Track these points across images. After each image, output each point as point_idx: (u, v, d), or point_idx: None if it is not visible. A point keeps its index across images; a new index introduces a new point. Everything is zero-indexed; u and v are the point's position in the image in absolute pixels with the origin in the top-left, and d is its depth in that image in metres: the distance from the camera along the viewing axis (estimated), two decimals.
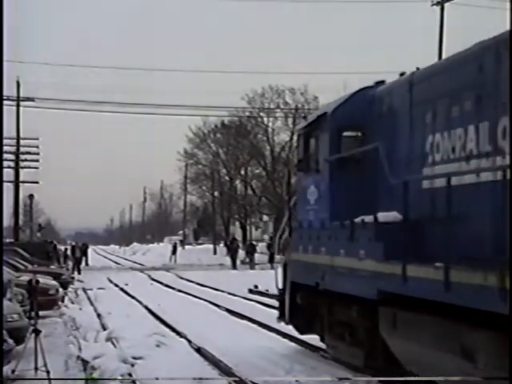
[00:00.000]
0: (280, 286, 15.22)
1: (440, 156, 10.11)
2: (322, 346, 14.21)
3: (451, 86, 9.91)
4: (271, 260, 46.43)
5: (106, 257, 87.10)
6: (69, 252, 49.71)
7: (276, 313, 15.94)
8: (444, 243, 8.75)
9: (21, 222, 59.02)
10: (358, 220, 11.19)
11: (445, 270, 8.42)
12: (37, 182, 51.89)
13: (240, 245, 60.43)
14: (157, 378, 8.45)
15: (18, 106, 49.22)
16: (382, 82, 12.76)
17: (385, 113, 12.04)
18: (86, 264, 54.31)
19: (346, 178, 12.34)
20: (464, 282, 8.11)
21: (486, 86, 9.12)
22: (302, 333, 15.08)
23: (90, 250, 62.41)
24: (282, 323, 15.53)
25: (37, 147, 50.17)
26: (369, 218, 10.89)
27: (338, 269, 11.95)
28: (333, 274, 12.22)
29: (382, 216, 10.63)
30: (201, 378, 10.76)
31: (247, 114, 62.99)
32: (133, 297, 28.90)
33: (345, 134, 12.66)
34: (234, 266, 52.86)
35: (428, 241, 9.80)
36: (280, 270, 15.29)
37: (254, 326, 18.80)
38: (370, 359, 11.78)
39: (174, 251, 65.39)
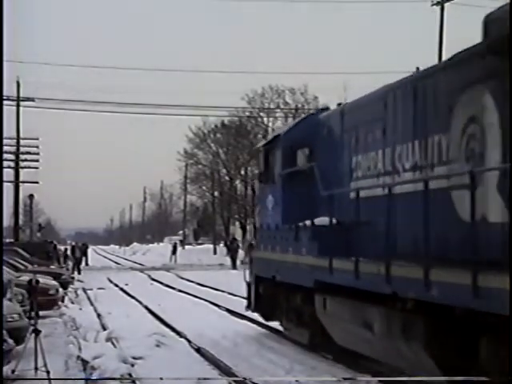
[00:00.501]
0: (248, 280, 17.79)
1: (361, 173, 12.88)
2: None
3: (368, 118, 12.69)
4: None
5: (106, 257, 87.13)
6: (69, 252, 49.69)
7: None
8: (359, 242, 11.84)
9: (21, 222, 59.02)
10: (301, 224, 13.88)
11: (355, 263, 11.17)
12: (37, 182, 51.93)
13: (240, 245, 60.44)
14: (161, 378, 8.45)
15: (17, 105, 49.25)
16: (327, 109, 15.47)
17: (325, 136, 14.60)
18: (86, 264, 54.30)
19: (295, 189, 15.01)
20: (366, 272, 10.95)
21: (388, 120, 11.90)
22: (266, 320, 17.54)
23: (89, 250, 62.40)
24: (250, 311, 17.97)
25: (37, 147, 50.21)
26: (309, 222, 13.55)
27: (287, 263, 14.65)
28: (284, 268, 14.92)
29: (318, 220, 13.29)
30: (205, 378, 10.79)
31: (247, 114, 62.99)
32: (133, 297, 28.91)
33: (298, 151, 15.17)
34: (234, 266, 52.84)
35: (350, 240, 12.29)
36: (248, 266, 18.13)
37: (254, 325, 18.81)
38: (313, 337, 14.40)
39: (174, 251, 65.41)
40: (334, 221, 12.75)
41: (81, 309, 24.14)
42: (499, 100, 8.99)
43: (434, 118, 10.62)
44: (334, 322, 13.14)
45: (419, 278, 9.28)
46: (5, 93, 33.99)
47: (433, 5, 38.09)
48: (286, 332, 16.43)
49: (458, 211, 9.57)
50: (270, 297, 16.70)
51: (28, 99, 49.58)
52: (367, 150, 12.63)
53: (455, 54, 10.14)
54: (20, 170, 50.01)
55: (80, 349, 14.98)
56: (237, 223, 75.37)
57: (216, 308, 23.80)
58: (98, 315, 21.92)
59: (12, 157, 49.37)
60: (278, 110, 61.71)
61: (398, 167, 11.54)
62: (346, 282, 11.71)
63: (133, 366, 13.10)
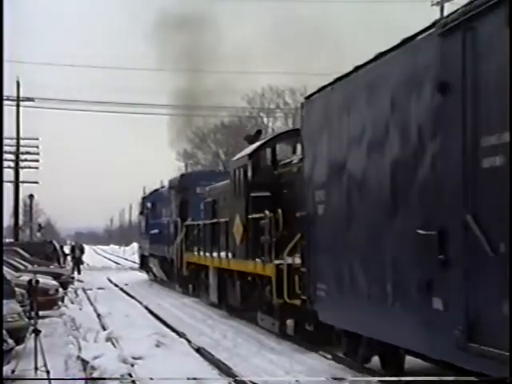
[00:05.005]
0: (138, 256, 47.37)
1: (163, 215, 35.28)
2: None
3: (166, 198, 34.25)
4: None
5: (105, 257, 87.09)
6: (66, 250, 49.37)
7: None
8: (163, 239, 33.89)
9: (21, 222, 58.94)
10: (150, 232, 39.20)
11: (160, 246, 34.99)
12: (37, 182, 51.92)
13: None
14: (152, 378, 8.46)
15: (17, 105, 49.22)
16: (163, 187, 39.80)
17: (160, 199, 37.20)
18: (79, 271, 46.47)
19: (148, 219, 40.29)
20: (156, 249, 36.63)
21: (169, 200, 32.84)
22: (146, 273, 41.70)
23: (90, 251, 61.87)
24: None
25: (37, 147, 50.21)
26: (150, 232, 38.82)
27: (145, 247, 41.78)
28: (145, 250, 41.71)
29: (152, 231, 37.98)
30: (203, 379, 10.78)
31: (247, 114, 62.96)
32: (132, 297, 28.93)
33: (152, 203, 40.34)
34: None
35: (160, 239, 35.05)
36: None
37: (254, 325, 18.79)
38: (154, 276, 38.83)
39: None
40: (157, 231, 36.02)
41: (81, 309, 24.12)
42: (174, 204, 31.38)
43: (168, 204, 33.11)
44: (154, 267, 37.74)
45: (162, 249, 33.89)
46: (5, 93, 34.00)
47: (433, 5, 38.09)
48: (148, 276, 40.88)
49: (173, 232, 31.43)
50: (145, 263, 42.04)
51: (28, 99, 49.59)
52: (164, 207, 34.56)
53: (171, 180, 34.68)
54: (20, 169, 50.01)
55: (80, 349, 14.97)
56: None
57: (216, 308, 23.75)
58: (98, 315, 21.92)
59: (12, 157, 49.36)
60: (278, 110, 61.69)
61: (163, 215, 35.13)
62: (155, 252, 36.85)
63: (133, 365, 13.09)
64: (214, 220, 22.73)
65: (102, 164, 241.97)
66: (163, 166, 78.77)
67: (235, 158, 20.92)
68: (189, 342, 16.21)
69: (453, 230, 7.98)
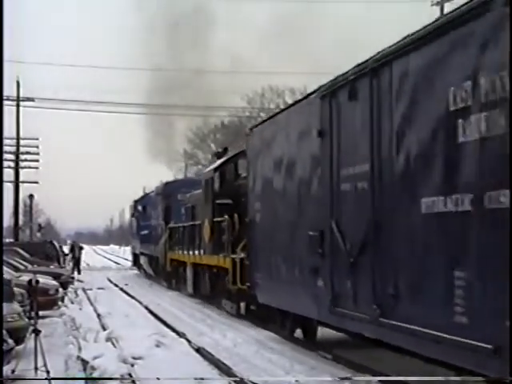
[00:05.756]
0: (132, 254, 51.36)
1: (152, 217, 39.37)
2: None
3: (153, 202, 38.99)
4: None
5: (105, 257, 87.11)
6: (66, 250, 49.30)
7: None
8: (151, 239, 38.26)
9: (21, 222, 58.92)
10: (140, 233, 43.72)
11: (149, 245, 39.23)
12: (37, 182, 51.90)
13: None
14: (158, 378, 8.46)
15: (17, 106, 49.21)
16: (152, 192, 41.66)
17: (149, 203, 41.30)
18: (79, 271, 46.09)
19: (140, 220, 44.62)
20: (145, 248, 41.06)
21: (156, 205, 37.83)
22: (138, 270, 46.52)
23: (90, 251, 61.82)
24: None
25: (37, 147, 50.21)
26: (140, 232, 43.62)
27: (136, 246, 46.65)
28: (136, 248, 45.97)
29: (142, 232, 42.84)
30: (204, 379, 10.78)
31: (247, 114, 62.98)
32: (133, 297, 28.93)
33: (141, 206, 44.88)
34: None
35: (149, 239, 39.38)
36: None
37: (254, 325, 18.81)
38: (145, 272, 42.73)
39: None
40: (146, 232, 40.61)
41: (81, 309, 24.12)
42: (160, 208, 36.21)
43: (156, 208, 37.68)
44: (144, 264, 42.05)
45: (151, 248, 38.26)
46: (5, 93, 33.99)
47: (433, 5, 38.10)
48: (139, 271, 45.52)
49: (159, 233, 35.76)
50: (136, 260, 46.17)
51: (28, 99, 49.59)
52: (153, 211, 38.82)
53: (157, 187, 39.45)
54: (20, 169, 50.01)
55: (80, 349, 14.96)
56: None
57: (215, 307, 23.78)
58: (98, 315, 21.92)
59: (12, 157, 49.36)
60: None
61: (152, 218, 39.08)
62: (144, 251, 41.42)
63: (133, 365, 13.09)
64: (190, 223, 26.86)
65: (102, 164, 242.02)
66: (163, 166, 78.65)
67: (205, 170, 25.88)
68: (189, 341, 16.22)
69: (326, 232, 11.86)
